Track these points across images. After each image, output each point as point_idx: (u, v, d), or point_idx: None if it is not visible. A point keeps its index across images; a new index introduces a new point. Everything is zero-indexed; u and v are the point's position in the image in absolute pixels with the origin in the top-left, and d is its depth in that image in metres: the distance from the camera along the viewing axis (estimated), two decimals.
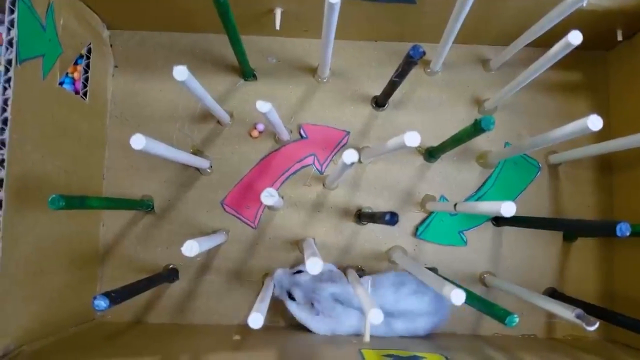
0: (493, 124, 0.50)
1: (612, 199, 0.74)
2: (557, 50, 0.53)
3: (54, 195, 0.47)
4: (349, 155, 0.49)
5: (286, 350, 0.58)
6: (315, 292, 0.64)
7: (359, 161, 0.72)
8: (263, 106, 0.50)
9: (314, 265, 0.47)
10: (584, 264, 0.74)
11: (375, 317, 0.47)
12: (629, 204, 0.71)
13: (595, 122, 0.49)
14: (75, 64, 0.70)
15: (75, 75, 0.71)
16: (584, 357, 0.61)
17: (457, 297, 0.47)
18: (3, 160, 0.49)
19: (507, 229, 0.73)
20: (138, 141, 0.48)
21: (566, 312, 0.52)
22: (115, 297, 0.49)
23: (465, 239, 0.73)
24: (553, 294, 0.72)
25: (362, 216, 0.69)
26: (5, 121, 0.49)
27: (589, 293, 0.73)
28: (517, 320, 0.49)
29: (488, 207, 0.52)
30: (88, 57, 0.68)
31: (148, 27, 0.75)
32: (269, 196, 0.49)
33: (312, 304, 0.64)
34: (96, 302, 0.47)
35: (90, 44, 0.68)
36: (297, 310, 0.66)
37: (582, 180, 0.75)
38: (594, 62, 0.76)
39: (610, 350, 0.66)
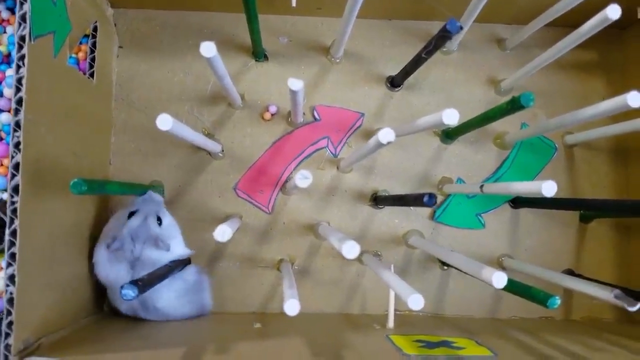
0: (533, 100, 0.48)
1: (628, 180, 0.73)
2: (592, 26, 0.51)
3: (76, 179, 0.45)
4: (386, 134, 0.47)
5: (312, 336, 0.56)
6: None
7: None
8: (295, 84, 0.48)
9: (350, 249, 0.45)
10: (600, 245, 0.73)
11: (415, 303, 0.45)
12: None
13: (635, 99, 0.48)
14: (79, 43, 0.67)
15: (80, 55, 0.68)
16: (609, 338, 0.60)
17: (499, 280, 0.46)
18: (19, 143, 0.46)
19: (524, 211, 0.73)
20: (165, 122, 0.45)
21: (603, 293, 0.51)
22: (143, 285, 0.46)
23: (483, 222, 0.72)
24: (571, 275, 0.71)
25: (385, 200, 0.67)
26: (20, 101, 0.46)
27: (606, 274, 0.72)
28: (558, 302, 0.48)
29: (525, 187, 0.51)
30: (94, 37, 0.65)
31: (153, 5, 0.71)
32: (303, 178, 0.47)
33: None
34: (124, 291, 0.45)
35: (96, 22, 0.65)
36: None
37: (598, 161, 0.74)
38: (609, 41, 0.75)
39: (631, 330, 0.66)
